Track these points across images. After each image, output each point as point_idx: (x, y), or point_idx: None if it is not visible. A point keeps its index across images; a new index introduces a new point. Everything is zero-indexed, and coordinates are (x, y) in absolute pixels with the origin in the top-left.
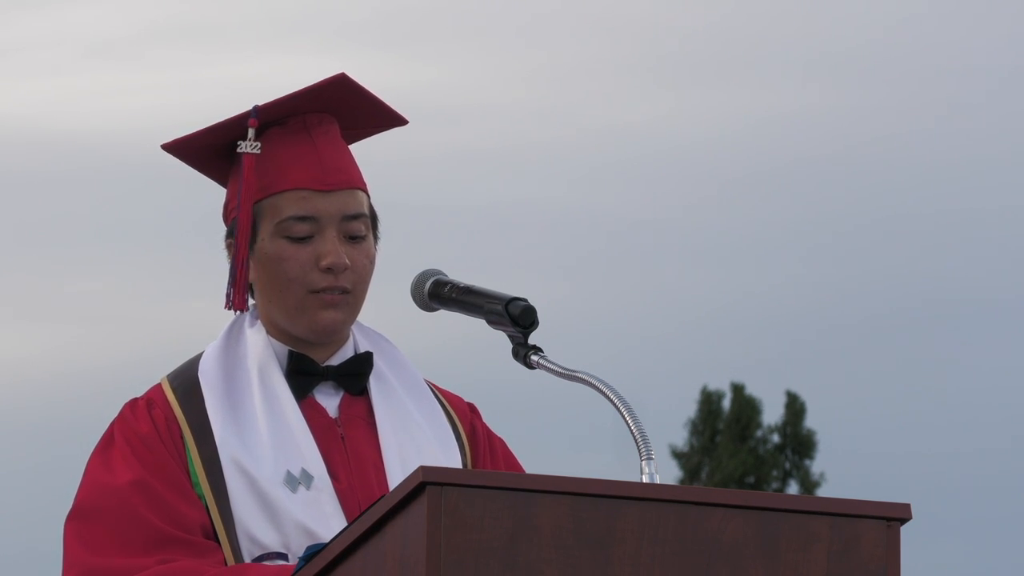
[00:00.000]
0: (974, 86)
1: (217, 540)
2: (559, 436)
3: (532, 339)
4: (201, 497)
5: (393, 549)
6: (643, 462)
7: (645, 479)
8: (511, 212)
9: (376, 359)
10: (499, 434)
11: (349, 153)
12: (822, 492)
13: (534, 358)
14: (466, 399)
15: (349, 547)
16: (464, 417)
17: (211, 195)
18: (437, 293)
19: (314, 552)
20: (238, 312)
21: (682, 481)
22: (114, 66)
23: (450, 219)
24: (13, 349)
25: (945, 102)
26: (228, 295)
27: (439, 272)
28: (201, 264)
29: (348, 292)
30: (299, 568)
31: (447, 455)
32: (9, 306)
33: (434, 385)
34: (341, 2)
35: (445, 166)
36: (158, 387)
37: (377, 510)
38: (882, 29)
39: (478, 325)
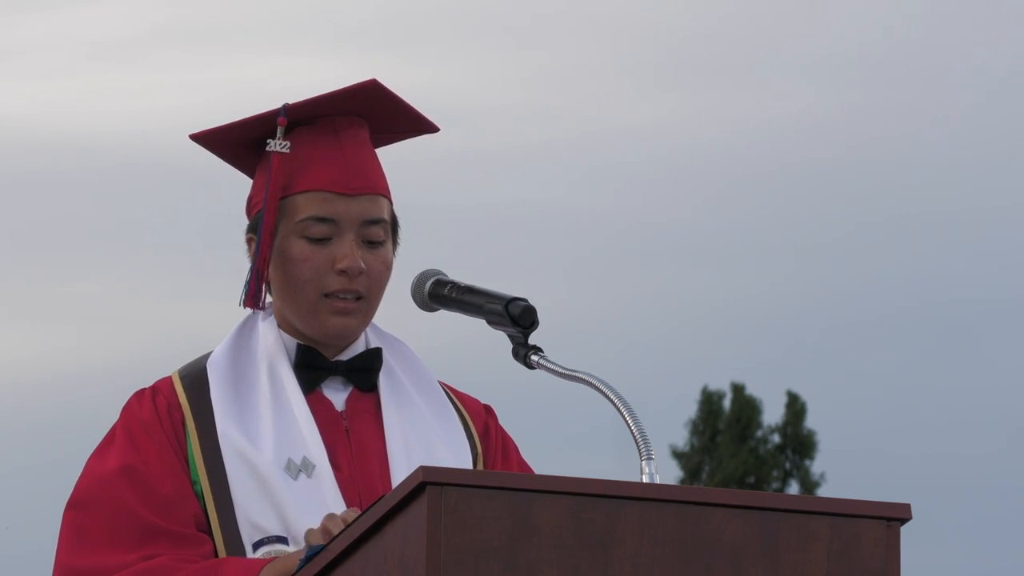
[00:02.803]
0: (973, 87)
1: (211, 528)
2: (559, 436)
3: (532, 339)
4: (197, 483)
5: (393, 549)
6: (643, 462)
7: (645, 479)
8: (511, 213)
9: (386, 355)
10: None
11: (376, 158)
12: (822, 492)
13: (534, 358)
14: (483, 401)
15: (349, 547)
16: (478, 417)
17: (212, 197)
18: (437, 293)
19: (315, 552)
20: (251, 311)
21: (682, 481)
22: (116, 68)
23: (450, 219)
24: (14, 350)
25: (944, 103)
26: (245, 292)
27: (439, 272)
28: (202, 265)
29: (362, 298)
30: (299, 568)
31: (456, 454)
32: (10, 307)
33: (448, 386)
34: (341, 4)
35: (445, 167)
36: (168, 378)
37: (377, 510)
38: (881, 31)
39: (478, 325)
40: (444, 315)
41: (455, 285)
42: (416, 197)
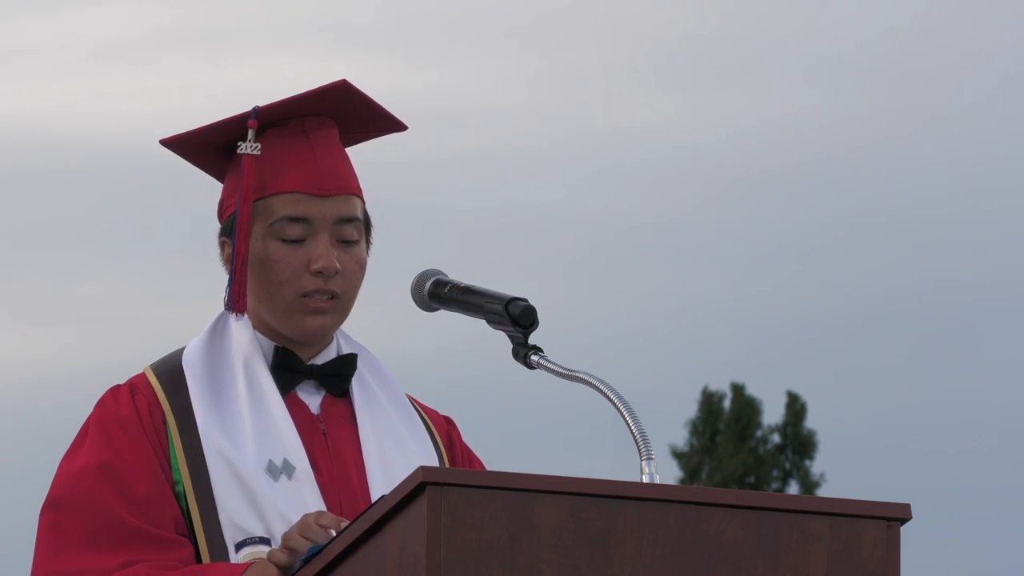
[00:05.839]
0: (973, 89)
1: (192, 528)
2: (559, 436)
3: (532, 339)
4: (179, 483)
5: (393, 549)
6: (643, 462)
7: (645, 479)
8: (512, 214)
9: (359, 363)
10: (497, 434)
11: (347, 158)
12: (822, 492)
13: (534, 358)
14: (471, 415)
15: (349, 547)
16: (441, 429)
17: (213, 199)
18: (437, 293)
19: (314, 553)
20: (237, 314)
21: (682, 481)
22: (119, 70)
23: (451, 220)
24: (14, 350)
25: (944, 104)
26: (228, 296)
27: (439, 272)
28: (202, 267)
29: (337, 298)
30: (299, 568)
31: (426, 459)
32: (10, 307)
33: (413, 399)
34: (344, 6)
35: (447, 168)
36: (142, 375)
37: (377, 510)
38: (882, 32)
39: (478, 325)
40: (444, 315)
41: (455, 285)
42: (417, 198)
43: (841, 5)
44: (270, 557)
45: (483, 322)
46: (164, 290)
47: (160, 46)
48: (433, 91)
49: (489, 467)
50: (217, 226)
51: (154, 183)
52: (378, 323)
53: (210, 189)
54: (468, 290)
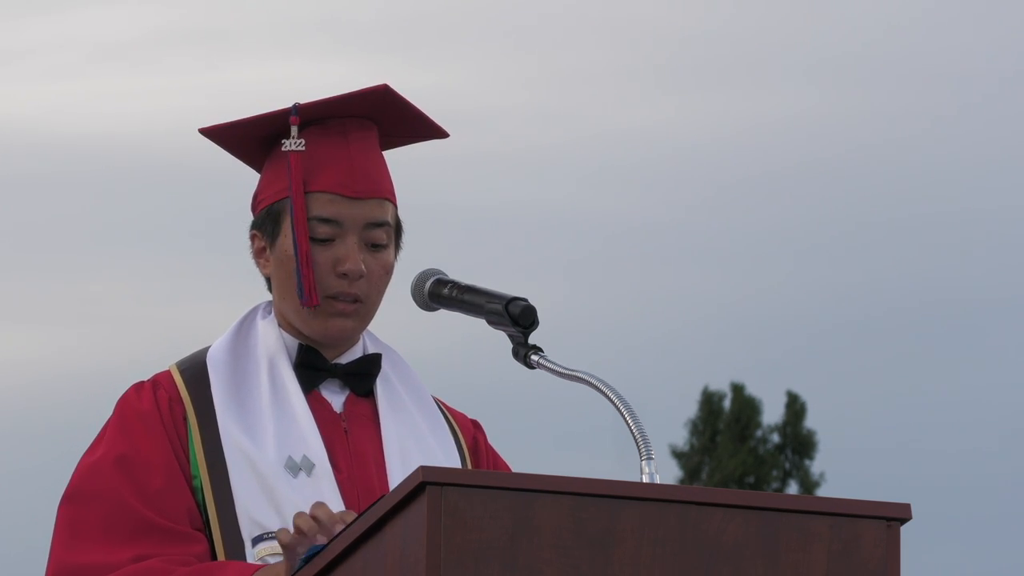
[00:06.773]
0: (973, 89)
1: (208, 523)
2: (558, 436)
3: (532, 339)
4: (197, 477)
5: (393, 549)
6: (643, 462)
7: (645, 479)
8: (512, 213)
9: (384, 364)
10: (502, 433)
11: (383, 162)
12: (822, 492)
13: (534, 358)
14: (472, 415)
15: (349, 547)
16: (467, 431)
17: (214, 199)
18: (437, 293)
19: (314, 553)
20: (251, 308)
21: (682, 481)
22: (119, 69)
23: (451, 220)
24: (14, 350)
25: (944, 105)
26: (300, 291)
27: (439, 272)
28: (203, 267)
29: (360, 301)
30: (299, 568)
31: (448, 462)
32: (11, 307)
33: (440, 401)
34: (344, 6)
35: (447, 168)
36: (166, 371)
37: (377, 510)
38: (882, 33)
39: (478, 325)
40: (444, 315)
41: (455, 285)
42: (417, 197)
43: (841, 5)
44: (280, 538)
45: (483, 322)
46: (164, 290)
47: (160, 46)
48: (433, 91)
49: (522, 452)
50: (226, 231)
51: (154, 183)
52: (376, 322)
53: (213, 190)
54: (468, 290)
